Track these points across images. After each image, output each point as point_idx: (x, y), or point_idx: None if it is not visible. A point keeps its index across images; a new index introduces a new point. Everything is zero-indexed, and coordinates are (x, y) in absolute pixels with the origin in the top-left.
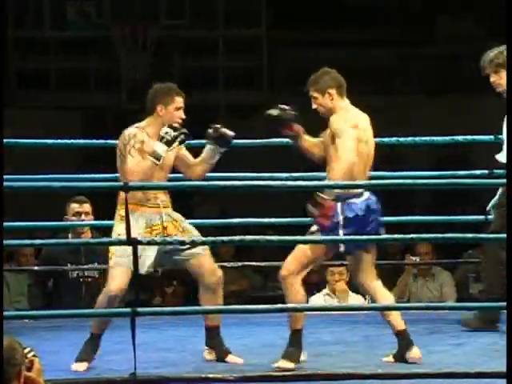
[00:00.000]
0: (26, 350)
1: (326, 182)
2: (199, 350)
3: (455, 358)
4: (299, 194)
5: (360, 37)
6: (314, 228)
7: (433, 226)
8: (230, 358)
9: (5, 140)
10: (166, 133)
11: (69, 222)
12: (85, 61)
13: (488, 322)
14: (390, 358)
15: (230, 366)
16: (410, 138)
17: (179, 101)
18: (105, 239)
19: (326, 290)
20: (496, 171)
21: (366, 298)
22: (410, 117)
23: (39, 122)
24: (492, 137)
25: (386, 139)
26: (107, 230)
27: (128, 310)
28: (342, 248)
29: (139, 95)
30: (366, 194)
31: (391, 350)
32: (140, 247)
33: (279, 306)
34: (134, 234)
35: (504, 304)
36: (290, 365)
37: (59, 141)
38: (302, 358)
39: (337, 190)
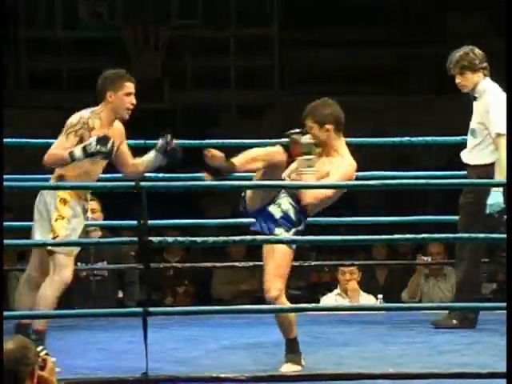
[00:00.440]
0: (39, 349)
1: (334, 182)
2: (210, 350)
3: (466, 358)
4: None
5: (360, 37)
6: (279, 230)
7: (444, 225)
8: None
9: (14, 140)
10: (90, 144)
11: None
12: (96, 61)
13: (463, 320)
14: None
15: (240, 366)
16: (421, 138)
17: (129, 86)
18: (116, 239)
19: (337, 290)
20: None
21: (377, 298)
22: (410, 117)
23: (47, 123)
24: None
25: (396, 139)
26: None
27: (140, 309)
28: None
29: (150, 96)
30: None
31: (403, 349)
32: (70, 228)
33: (291, 306)
34: (76, 220)
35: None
36: (296, 367)
37: None
38: (302, 362)
39: None
